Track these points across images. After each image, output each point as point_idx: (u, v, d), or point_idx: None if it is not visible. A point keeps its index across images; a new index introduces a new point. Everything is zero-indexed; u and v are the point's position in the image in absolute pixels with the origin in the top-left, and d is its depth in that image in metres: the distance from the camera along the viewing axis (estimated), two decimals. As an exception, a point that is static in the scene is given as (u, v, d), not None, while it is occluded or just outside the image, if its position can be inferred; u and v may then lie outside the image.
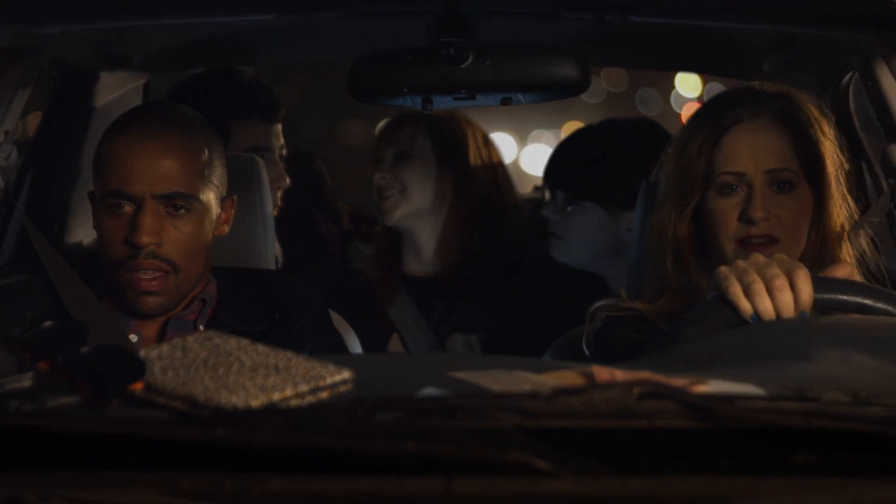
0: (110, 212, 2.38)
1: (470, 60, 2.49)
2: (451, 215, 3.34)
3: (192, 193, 2.39)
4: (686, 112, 8.62)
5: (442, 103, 2.62)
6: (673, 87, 9.30)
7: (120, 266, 2.37)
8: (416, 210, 3.34)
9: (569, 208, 3.26)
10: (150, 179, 2.36)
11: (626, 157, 3.19)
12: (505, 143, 9.16)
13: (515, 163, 9.07)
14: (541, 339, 2.89)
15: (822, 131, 2.34)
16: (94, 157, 2.45)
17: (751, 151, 2.30)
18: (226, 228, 2.50)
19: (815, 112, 2.38)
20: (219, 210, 2.46)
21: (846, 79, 2.90)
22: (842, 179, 2.33)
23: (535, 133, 9.54)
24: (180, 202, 2.38)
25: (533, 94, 2.63)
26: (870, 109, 2.62)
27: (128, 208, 2.37)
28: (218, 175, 2.46)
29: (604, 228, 3.23)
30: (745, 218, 2.28)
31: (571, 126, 8.68)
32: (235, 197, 2.52)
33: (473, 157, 3.37)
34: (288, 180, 3.24)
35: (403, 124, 3.36)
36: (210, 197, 2.43)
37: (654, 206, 2.45)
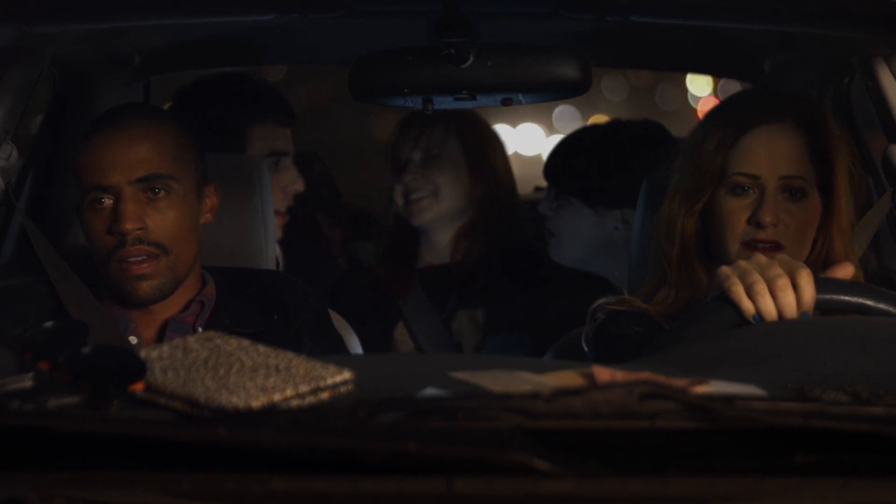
0: (92, 208, 2.40)
1: (470, 60, 2.50)
2: (477, 216, 3.37)
3: (168, 174, 2.40)
4: (702, 107, 8.64)
5: (443, 103, 2.62)
6: (685, 88, 9.32)
7: (110, 258, 2.38)
8: (447, 212, 3.37)
9: (554, 203, 3.27)
10: (124, 167, 2.38)
11: (619, 157, 3.20)
12: (533, 135, 9.22)
13: (541, 156, 9.12)
14: (547, 329, 2.91)
15: (838, 141, 2.33)
16: (73, 168, 2.46)
17: (767, 155, 2.30)
18: (210, 216, 2.51)
19: (831, 120, 2.38)
20: (199, 196, 2.48)
21: (846, 79, 2.90)
22: (852, 188, 2.33)
23: (558, 125, 9.58)
24: (157, 184, 2.39)
25: (533, 94, 2.63)
26: (870, 109, 2.61)
27: (108, 201, 2.39)
28: (193, 159, 2.47)
29: (590, 226, 3.24)
30: (753, 221, 2.28)
31: (597, 120, 8.72)
32: (216, 185, 2.52)
33: (495, 158, 3.43)
34: (302, 184, 3.24)
35: (432, 126, 3.38)
36: (187, 179, 2.44)
37: (656, 203, 2.45)
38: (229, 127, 3.11)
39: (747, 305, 1.97)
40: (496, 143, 3.46)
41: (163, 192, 2.40)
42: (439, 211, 3.36)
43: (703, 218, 2.35)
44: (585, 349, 2.41)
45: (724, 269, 2.03)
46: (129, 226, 2.36)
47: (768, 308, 1.97)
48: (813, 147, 2.32)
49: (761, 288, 1.97)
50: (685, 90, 9.50)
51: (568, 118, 9.12)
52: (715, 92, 8.59)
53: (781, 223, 2.29)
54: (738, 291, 1.98)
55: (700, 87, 9.18)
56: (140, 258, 2.38)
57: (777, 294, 1.97)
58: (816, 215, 2.32)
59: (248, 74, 3.40)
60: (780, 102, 2.38)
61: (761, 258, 2.03)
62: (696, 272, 2.34)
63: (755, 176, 2.30)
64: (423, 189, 3.35)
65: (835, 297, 2.00)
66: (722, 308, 1.99)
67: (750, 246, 2.28)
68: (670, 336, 2.03)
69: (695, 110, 8.93)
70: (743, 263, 2.02)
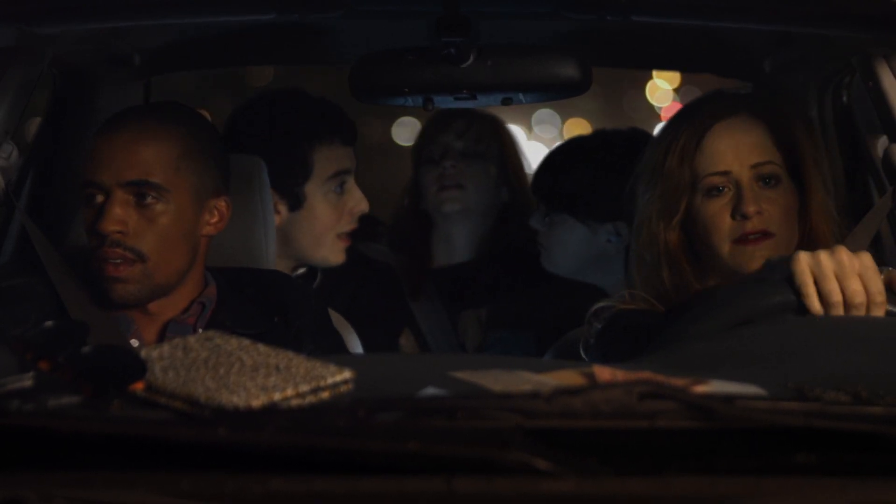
0: (86, 202, 2.37)
1: (471, 60, 2.50)
2: (500, 220, 3.47)
3: (161, 183, 2.35)
4: (665, 113, 8.65)
5: (443, 103, 2.62)
6: (645, 98, 9.30)
7: (92, 255, 2.36)
8: (475, 207, 3.46)
9: (546, 219, 3.26)
10: (117, 168, 2.34)
11: (608, 170, 3.19)
12: (516, 135, 9.21)
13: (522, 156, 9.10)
14: (549, 327, 2.92)
15: (799, 127, 2.34)
16: (80, 161, 2.44)
17: (733, 149, 2.31)
18: (213, 229, 2.44)
19: (789, 109, 2.38)
20: (201, 207, 2.42)
21: (846, 79, 2.90)
22: (825, 174, 2.34)
23: (537, 129, 9.56)
24: (148, 191, 2.34)
25: (533, 94, 2.64)
26: (870, 109, 2.61)
27: (99, 198, 2.35)
28: (199, 170, 2.41)
29: (582, 241, 3.22)
30: (737, 215, 2.28)
31: (573, 123, 8.72)
32: (227, 198, 2.46)
33: (521, 167, 3.59)
34: (367, 204, 3.04)
35: (479, 122, 3.50)
36: (183, 190, 2.38)
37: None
38: (293, 148, 2.97)
39: (816, 307, 1.97)
40: (521, 152, 3.60)
41: (152, 200, 2.35)
42: (468, 204, 3.44)
43: (685, 228, 2.35)
44: (584, 357, 2.41)
45: (802, 259, 1.99)
46: (108, 227, 2.32)
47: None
48: (775, 134, 2.32)
49: (837, 301, 1.96)
50: (656, 89, 9.47)
51: (547, 120, 9.12)
52: (678, 98, 8.59)
53: (765, 211, 2.29)
54: (810, 293, 1.97)
55: (661, 98, 9.16)
56: (116, 261, 2.33)
57: (850, 311, 1.97)
58: (794, 201, 2.32)
59: (303, 91, 3.19)
60: (733, 100, 2.38)
61: (843, 257, 2.00)
62: (690, 282, 2.34)
63: (726, 172, 2.30)
64: (460, 178, 3.44)
65: None
66: (785, 293, 1.97)
67: (741, 241, 2.27)
68: (712, 306, 2.00)
69: (658, 115, 8.94)
70: (824, 260, 1.99)
